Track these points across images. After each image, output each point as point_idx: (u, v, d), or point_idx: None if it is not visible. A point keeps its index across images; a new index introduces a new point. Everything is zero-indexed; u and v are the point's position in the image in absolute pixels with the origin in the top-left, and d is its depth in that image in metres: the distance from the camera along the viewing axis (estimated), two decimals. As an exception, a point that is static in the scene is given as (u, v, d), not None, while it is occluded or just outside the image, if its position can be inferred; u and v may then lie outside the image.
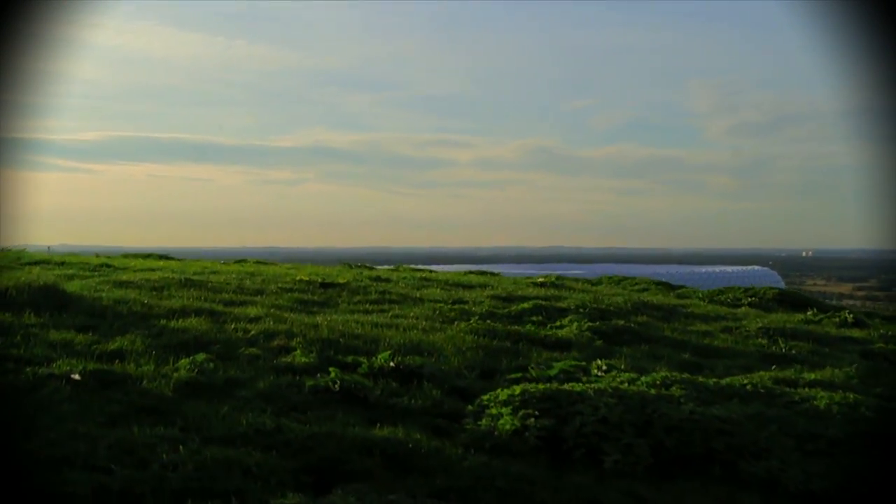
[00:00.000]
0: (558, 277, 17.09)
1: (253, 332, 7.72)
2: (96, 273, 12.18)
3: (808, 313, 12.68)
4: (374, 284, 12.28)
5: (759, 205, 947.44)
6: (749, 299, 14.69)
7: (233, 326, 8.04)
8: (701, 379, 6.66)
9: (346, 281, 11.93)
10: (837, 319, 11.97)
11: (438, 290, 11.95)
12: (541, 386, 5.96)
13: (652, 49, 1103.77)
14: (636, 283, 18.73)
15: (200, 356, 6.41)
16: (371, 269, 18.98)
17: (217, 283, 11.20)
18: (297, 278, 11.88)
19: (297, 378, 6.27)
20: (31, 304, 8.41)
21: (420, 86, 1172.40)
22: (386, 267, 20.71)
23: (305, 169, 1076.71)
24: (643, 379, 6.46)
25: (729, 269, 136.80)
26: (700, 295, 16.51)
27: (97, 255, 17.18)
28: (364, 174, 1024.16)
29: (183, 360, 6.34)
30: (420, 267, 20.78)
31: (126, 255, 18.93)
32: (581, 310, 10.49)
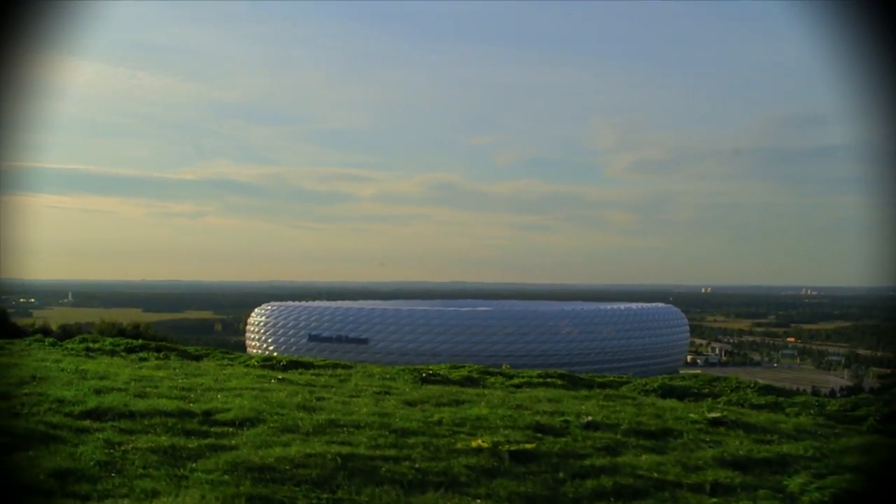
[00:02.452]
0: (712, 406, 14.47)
1: None
2: (196, 439, 8.81)
3: None
4: (554, 449, 9.42)
5: (658, 241, 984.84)
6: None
7: None
8: None
9: (532, 447, 9.04)
10: None
11: (658, 458, 9.14)
12: None
13: (556, 86, 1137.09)
14: (733, 387, 16.21)
15: None
16: (496, 383, 15.78)
17: (378, 457, 8.14)
18: (475, 445, 8.89)
19: None
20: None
21: (324, 119, 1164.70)
22: (471, 373, 17.04)
23: (208, 202, 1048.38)
24: None
25: (633, 306, 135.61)
26: (813, 409, 14.37)
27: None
28: (267, 207, 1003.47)
29: None
30: (504, 371, 16.82)
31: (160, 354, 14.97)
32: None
